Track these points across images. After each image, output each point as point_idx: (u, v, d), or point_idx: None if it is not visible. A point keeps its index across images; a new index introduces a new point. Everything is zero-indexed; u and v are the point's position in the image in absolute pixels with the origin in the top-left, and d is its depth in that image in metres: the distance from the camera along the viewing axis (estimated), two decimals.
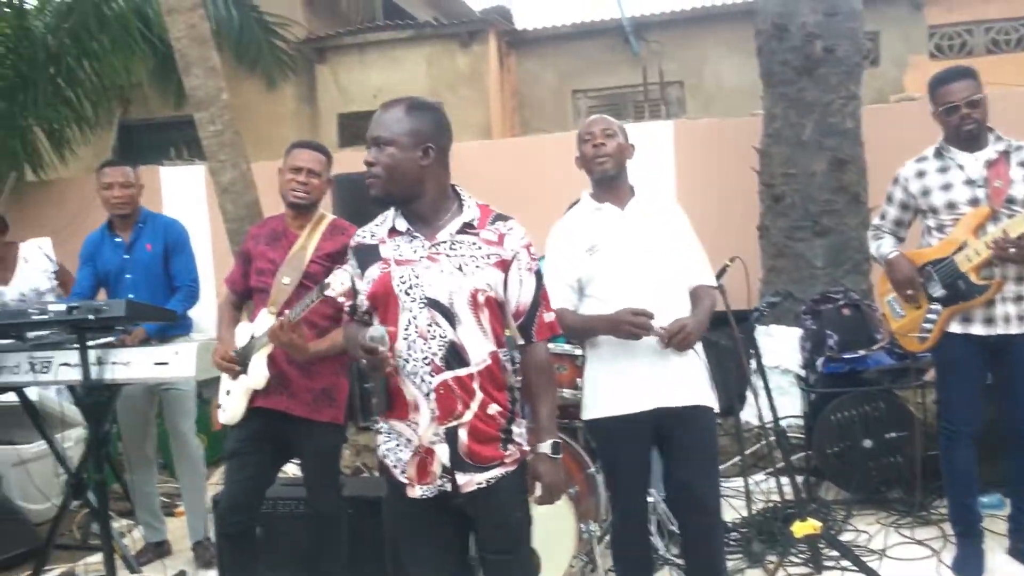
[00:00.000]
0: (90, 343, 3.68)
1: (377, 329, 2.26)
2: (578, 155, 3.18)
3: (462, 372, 2.32)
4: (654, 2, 13.76)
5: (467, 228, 2.38)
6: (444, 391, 2.32)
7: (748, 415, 5.31)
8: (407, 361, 2.33)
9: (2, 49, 7.57)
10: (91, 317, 3.51)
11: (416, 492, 2.38)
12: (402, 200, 2.38)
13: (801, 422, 5.19)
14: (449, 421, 2.33)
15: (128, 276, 4.36)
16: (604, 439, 3.20)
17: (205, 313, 4.91)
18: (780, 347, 5.62)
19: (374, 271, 2.38)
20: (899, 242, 3.93)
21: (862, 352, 4.87)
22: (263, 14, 9.83)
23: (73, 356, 3.69)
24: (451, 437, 2.33)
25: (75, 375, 3.71)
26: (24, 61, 7.57)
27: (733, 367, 4.44)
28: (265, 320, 3.30)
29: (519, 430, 2.44)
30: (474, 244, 2.37)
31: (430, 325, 2.31)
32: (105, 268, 4.40)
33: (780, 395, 5.07)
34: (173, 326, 4.19)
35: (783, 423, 4.23)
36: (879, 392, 4.70)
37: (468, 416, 2.33)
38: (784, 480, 4.21)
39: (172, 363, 3.70)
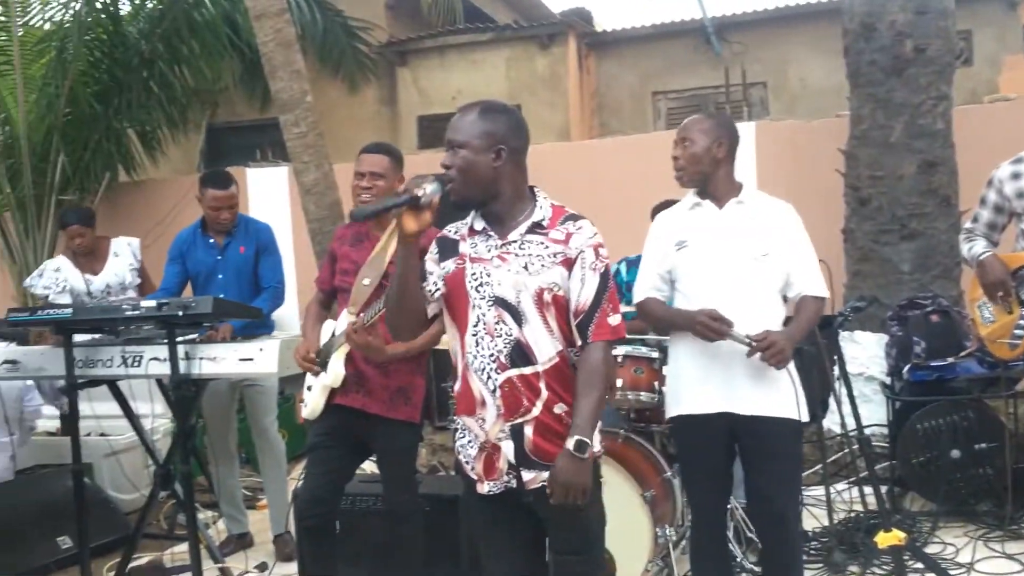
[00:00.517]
0: (178, 339, 3.80)
1: (435, 186, 2.28)
2: None
3: (527, 370, 2.34)
4: (737, 2, 13.55)
5: (536, 228, 2.40)
6: (509, 388, 2.34)
7: (830, 422, 5.20)
8: (475, 357, 2.37)
9: (98, 54, 7.82)
10: (180, 313, 3.61)
11: (484, 488, 2.42)
12: (478, 201, 2.41)
13: (885, 431, 5.06)
14: (514, 418, 2.35)
15: (220, 276, 4.50)
16: (681, 438, 3.19)
17: (287, 312, 5.02)
18: (865, 354, 5.49)
19: (450, 264, 2.43)
20: (992, 246, 3.81)
21: (951, 359, 4.72)
22: (347, 18, 9.98)
23: (163, 351, 3.81)
24: (516, 434, 2.36)
25: (164, 369, 3.83)
26: (119, 66, 7.82)
27: (816, 373, 4.35)
28: (345, 320, 3.35)
29: None
30: (541, 243, 2.38)
31: (497, 323, 2.35)
32: (197, 268, 4.54)
33: (864, 403, 4.94)
34: (256, 325, 4.30)
35: (867, 432, 4.13)
36: (968, 401, 4.56)
37: (533, 413, 2.34)
38: (867, 490, 4.12)
39: (256, 359, 3.80)
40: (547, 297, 2.35)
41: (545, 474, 2.35)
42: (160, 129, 8.49)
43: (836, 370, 4.36)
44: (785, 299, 3.09)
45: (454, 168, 2.35)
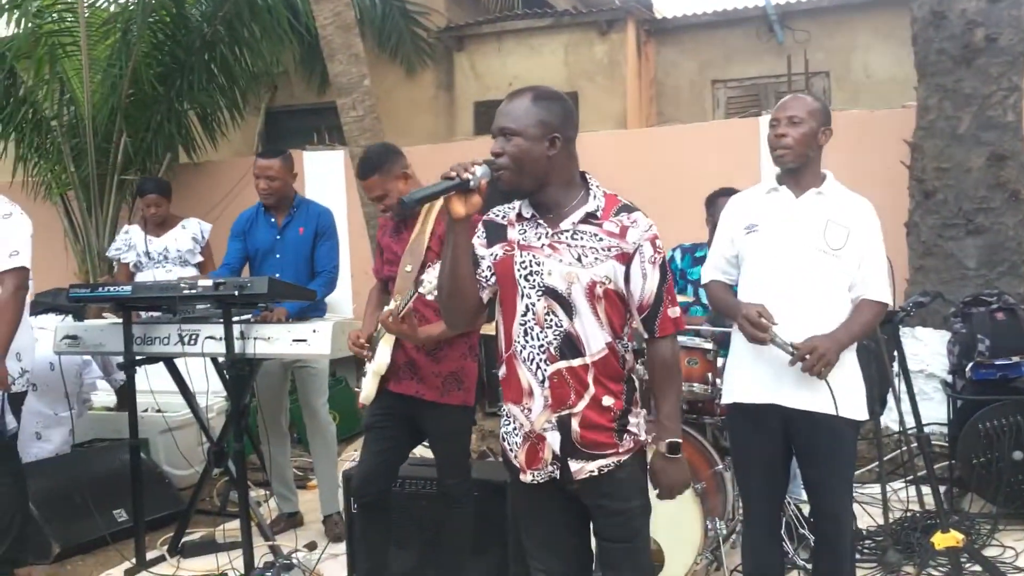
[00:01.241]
0: (234, 318, 3.84)
1: (484, 169, 2.24)
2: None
3: (576, 363, 2.32)
4: None
5: (590, 218, 2.35)
6: (558, 380, 2.32)
7: (888, 420, 5.10)
8: (523, 347, 2.34)
9: (161, 36, 7.93)
10: (236, 293, 3.65)
11: (527, 478, 2.41)
12: (529, 190, 2.36)
13: (945, 430, 4.94)
14: (562, 410, 2.33)
15: (277, 256, 4.54)
16: (734, 427, 3.15)
17: (339, 296, 5.05)
18: (926, 350, 5.37)
19: (498, 250, 2.39)
20: None
21: (1015, 359, 4.59)
22: (405, 3, 10.00)
23: (218, 330, 3.86)
24: (563, 425, 2.33)
25: (219, 348, 3.88)
26: (181, 48, 7.93)
27: (875, 369, 4.26)
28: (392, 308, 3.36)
29: (635, 420, 2.41)
30: (595, 235, 2.34)
31: (547, 314, 2.32)
32: (256, 245, 4.60)
33: (923, 400, 4.85)
34: (309, 307, 4.33)
35: (926, 430, 4.04)
36: None
37: (581, 406, 2.32)
38: (925, 489, 4.03)
39: (310, 341, 3.84)
40: (599, 291, 2.31)
41: (592, 464, 2.33)
42: (220, 111, 8.59)
43: (896, 366, 4.27)
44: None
45: (506, 156, 2.29)
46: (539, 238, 2.35)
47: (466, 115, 10.15)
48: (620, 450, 2.36)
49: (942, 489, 4.20)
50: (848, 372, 2.92)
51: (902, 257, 5.63)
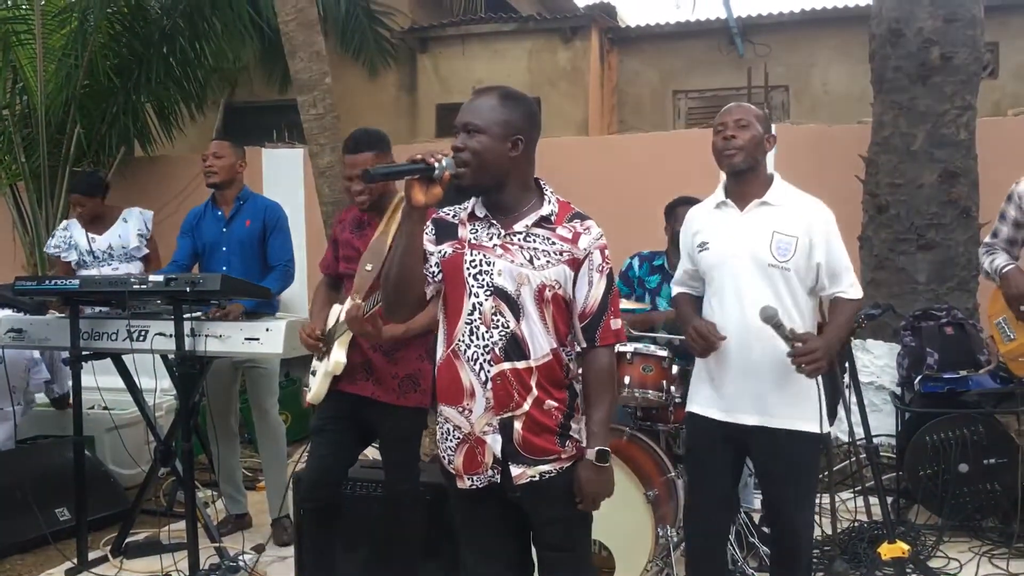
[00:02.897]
0: (185, 315, 3.78)
1: (449, 161, 2.24)
2: (712, 145, 3.04)
3: (520, 365, 2.29)
4: (762, 4, 13.48)
5: (543, 222, 2.34)
6: (501, 381, 2.29)
7: (838, 430, 5.15)
8: (467, 347, 2.31)
9: (119, 27, 7.81)
10: (187, 289, 3.59)
11: (464, 484, 2.36)
12: (486, 189, 2.34)
13: (893, 441, 5.00)
14: (504, 412, 2.30)
15: (224, 249, 4.48)
16: (692, 436, 3.16)
17: (296, 294, 4.99)
18: (876, 363, 5.44)
19: (447, 248, 2.36)
20: (1014, 260, 3.76)
21: (963, 373, 4.66)
22: (369, 2, 9.96)
23: (169, 326, 3.79)
24: (505, 428, 2.31)
25: (169, 345, 3.81)
26: (139, 40, 7.81)
27: (826, 380, 4.30)
28: (348, 306, 3.32)
29: (577, 426, 2.38)
30: (548, 239, 2.33)
31: (495, 314, 2.29)
32: (203, 239, 4.54)
33: (873, 412, 4.90)
34: (261, 304, 4.27)
35: (874, 442, 4.08)
36: (979, 415, 4.50)
37: (524, 408, 2.30)
38: (873, 500, 4.07)
39: (263, 340, 3.79)
40: (548, 294, 2.30)
41: (532, 469, 2.31)
42: (178, 106, 8.48)
43: (847, 377, 4.31)
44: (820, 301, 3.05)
45: (468, 151, 2.27)
46: (491, 238, 2.34)
47: (428, 117, 10.13)
48: (563, 455, 2.34)
49: (889, 500, 4.24)
50: (806, 385, 2.91)
51: (855, 270, 5.69)
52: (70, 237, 5.37)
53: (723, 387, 2.94)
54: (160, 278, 3.71)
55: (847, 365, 4.22)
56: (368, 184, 2.27)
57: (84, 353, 4.10)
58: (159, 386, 4.51)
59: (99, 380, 4.22)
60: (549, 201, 2.38)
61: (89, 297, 4.05)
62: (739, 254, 2.92)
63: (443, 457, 2.41)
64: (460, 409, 2.34)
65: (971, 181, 5.69)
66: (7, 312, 4.52)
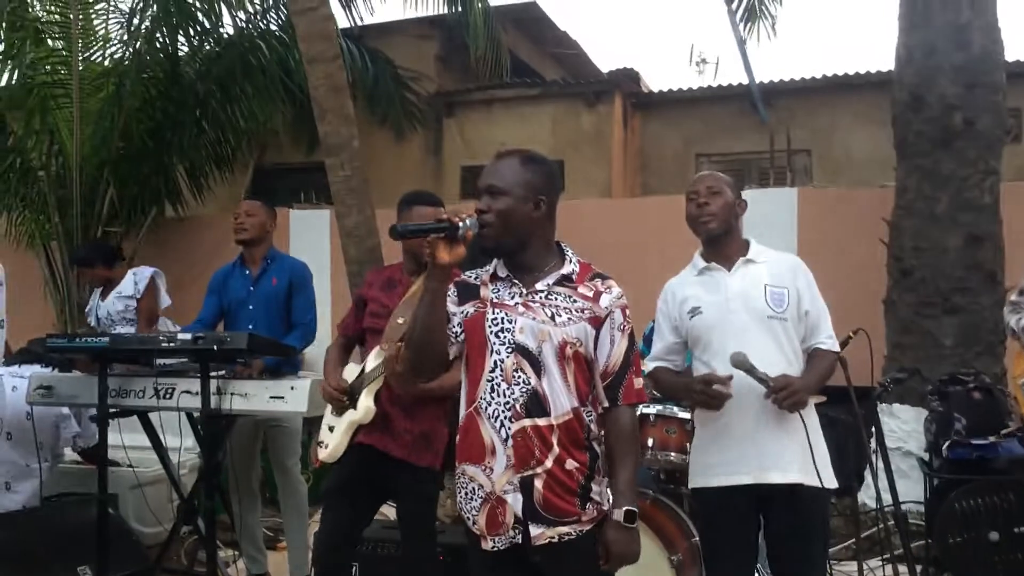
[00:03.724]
0: (211, 373, 3.81)
1: (472, 221, 2.29)
2: (686, 214, 3.09)
3: (541, 422, 2.29)
4: (784, 70, 13.62)
5: (565, 281, 2.38)
6: (522, 438, 2.29)
7: (865, 496, 5.09)
8: (488, 404, 2.32)
9: (154, 92, 8.02)
10: (215, 348, 3.63)
11: (488, 544, 2.34)
12: (510, 250, 2.38)
13: (922, 508, 4.92)
14: (524, 470, 2.29)
15: (250, 307, 4.53)
16: (706, 510, 3.10)
17: (318, 353, 5.02)
18: (903, 428, 5.39)
19: (469, 308, 2.39)
20: None
21: (992, 439, 4.60)
22: (397, 68, 10.16)
23: (195, 384, 3.82)
24: (526, 487, 2.29)
25: (195, 403, 3.84)
26: (172, 104, 8.01)
27: (852, 445, 4.26)
28: (376, 357, 3.35)
29: (598, 488, 2.37)
30: (569, 297, 2.36)
31: (516, 371, 2.31)
32: (230, 297, 4.60)
33: (900, 478, 4.83)
34: (284, 362, 4.30)
35: (903, 508, 4.02)
36: (1009, 482, 4.43)
37: (545, 466, 2.29)
38: (902, 568, 3.99)
39: (287, 398, 3.80)
40: (569, 352, 2.32)
41: (552, 530, 2.29)
42: (208, 167, 8.64)
43: (873, 442, 4.27)
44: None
45: (492, 213, 2.32)
46: (512, 297, 2.37)
47: (453, 179, 10.25)
48: (583, 518, 2.32)
49: (918, 568, 4.16)
50: (816, 442, 2.90)
51: (880, 333, 5.67)
52: (95, 299, 5.66)
53: (734, 449, 2.90)
54: (188, 336, 3.75)
55: (873, 429, 4.19)
56: (395, 239, 2.34)
57: (112, 410, 4.14)
58: (183, 444, 4.52)
59: (123, 438, 4.25)
60: (570, 261, 2.42)
61: (118, 355, 4.10)
62: (737, 310, 2.93)
63: (467, 518, 2.39)
64: (482, 468, 2.34)
65: (996, 245, 5.67)
66: (36, 368, 4.58)
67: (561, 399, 2.31)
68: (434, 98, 10.41)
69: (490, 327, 2.35)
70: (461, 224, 2.25)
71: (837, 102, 9.90)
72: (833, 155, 9.97)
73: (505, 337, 2.33)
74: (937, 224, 5.69)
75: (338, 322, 3.82)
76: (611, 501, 2.36)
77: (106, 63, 8.08)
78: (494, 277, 2.42)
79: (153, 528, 5.13)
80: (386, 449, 3.32)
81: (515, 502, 2.30)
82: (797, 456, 2.85)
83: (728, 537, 2.97)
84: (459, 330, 2.40)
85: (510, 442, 2.29)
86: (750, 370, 2.80)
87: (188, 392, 3.89)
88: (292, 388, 3.82)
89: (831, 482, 2.91)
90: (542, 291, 2.36)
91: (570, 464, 2.31)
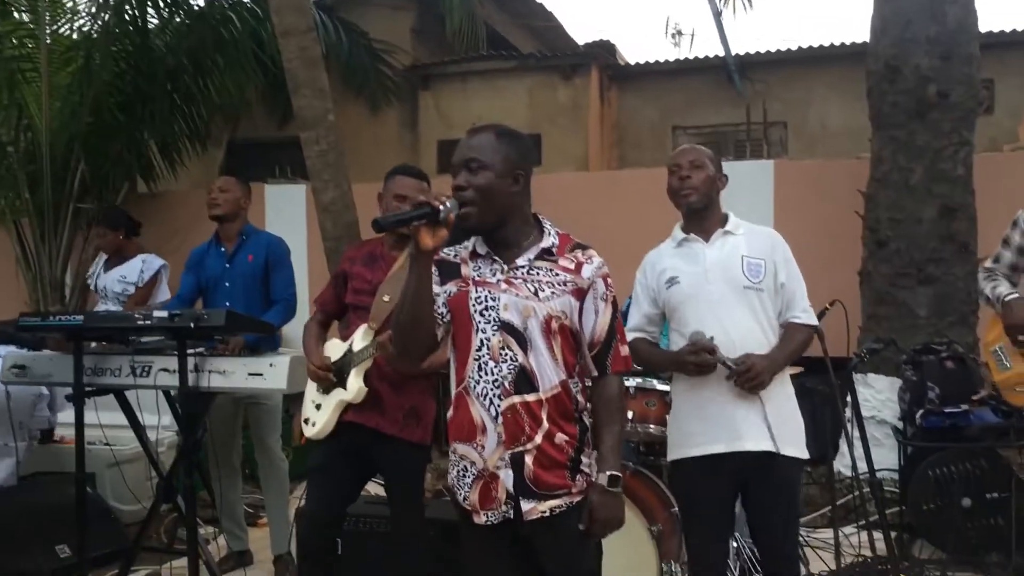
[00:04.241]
0: (188, 351, 3.79)
1: (453, 202, 2.25)
2: (667, 186, 3.11)
3: (530, 398, 2.30)
4: (760, 42, 13.61)
5: (545, 254, 2.37)
6: (512, 415, 2.30)
7: (840, 465, 5.15)
8: (477, 382, 2.33)
9: (124, 65, 7.86)
10: (192, 325, 3.60)
11: (480, 519, 2.35)
12: (491, 226, 2.36)
13: (895, 476, 4.99)
14: (515, 446, 2.30)
15: (227, 284, 4.50)
16: (681, 480, 3.12)
17: (296, 329, 4.99)
18: (877, 397, 5.45)
19: (451, 287, 2.38)
20: (1015, 288, 3.79)
21: (964, 407, 4.67)
22: (371, 41, 10.06)
23: (172, 362, 3.79)
24: (516, 463, 2.31)
25: (173, 381, 3.81)
26: (143, 77, 7.87)
27: (828, 414, 4.31)
28: (363, 336, 3.34)
29: (588, 460, 2.38)
30: (551, 271, 2.35)
31: (502, 348, 2.31)
32: (207, 275, 4.56)
33: (875, 447, 4.89)
34: (263, 339, 4.28)
35: (877, 476, 4.08)
36: (981, 449, 4.50)
37: (535, 442, 2.30)
38: (877, 534, 4.06)
39: (266, 375, 3.78)
40: (555, 325, 2.32)
41: (544, 504, 2.30)
42: (181, 142, 8.53)
43: (848, 412, 4.31)
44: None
45: (472, 189, 2.29)
46: (494, 274, 2.36)
47: (429, 153, 10.20)
48: (573, 490, 2.34)
49: (892, 535, 4.23)
50: (791, 413, 2.96)
51: (855, 304, 5.72)
52: (97, 266, 5.69)
53: (712, 419, 2.92)
54: (164, 314, 3.72)
55: (849, 399, 4.23)
56: (379, 232, 2.29)
57: (88, 389, 4.10)
58: (161, 422, 4.49)
59: (99, 416, 4.22)
60: (549, 234, 2.40)
61: (93, 334, 4.06)
62: (714, 280, 2.95)
63: (458, 493, 2.40)
64: (473, 446, 2.34)
65: (969, 216, 5.73)
66: (10, 349, 4.53)
67: (549, 373, 2.32)
68: (409, 71, 10.33)
69: (474, 306, 2.34)
70: (442, 207, 2.20)
71: (813, 74, 9.93)
72: (809, 127, 10.01)
73: (489, 315, 2.32)
74: (912, 195, 5.73)
75: (312, 297, 3.80)
76: (597, 467, 2.37)
77: (74, 36, 7.93)
78: (474, 255, 2.40)
79: (131, 506, 5.12)
80: (377, 427, 3.32)
81: (507, 478, 2.31)
82: (767, 425, 2.88)
83: (705, 507, 3.00)
84: (445, 310, 2.38)
85: (500, 419, 2.30)
86: (710, 351, 2.84)
87: (165, 370, 3.85)
88: (271, 365, 3.80)
89: (803, 452, 2.95)
90: (523, 266, 2.35)
91: (560, 438, 2.32)
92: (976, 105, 5.88)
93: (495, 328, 2.32)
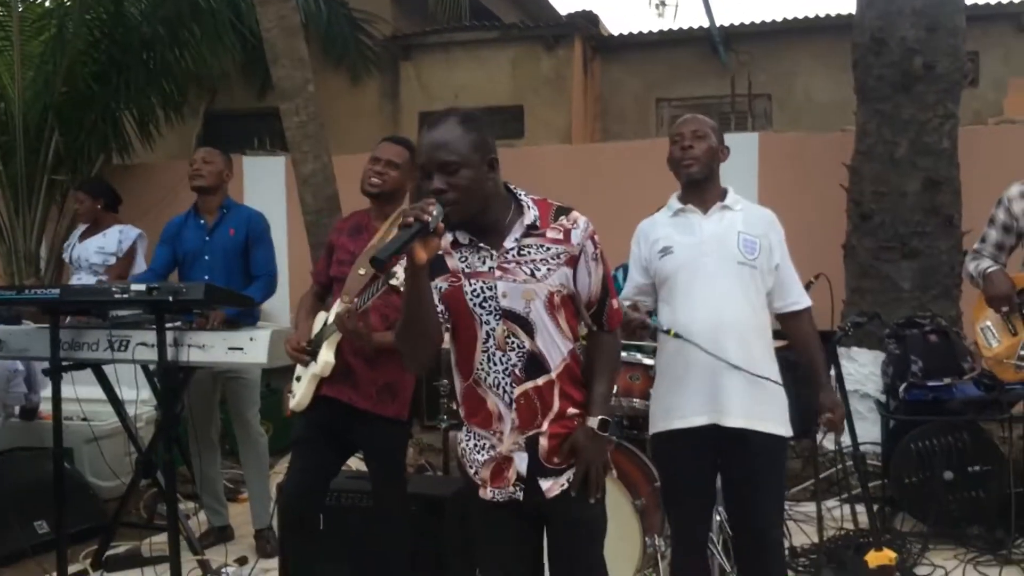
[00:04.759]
0: (167, 324, 3.73)
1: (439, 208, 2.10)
2: (668, 156, 3.06)
3: (542, 380, 2.28)
4: (745, 13, 13.55)
5: (531, 230, 2.28)
6: (525, 401, 2.28)
7: (824, 438, 5.15)
8: (488, 374, 2.29)
9: (98, 34, 7.73)
10: (170, 299, 3.54)
11: (487, 494, 2.34)
12: (472, 217, 2.25)
13: (878, 449, 5.01)
14: (530, 430, 2.29)
15: (206, 258, 4.43)
16: (662, 454, 3.10)
17: (277, 304, 4.95)
18: (861, 371, 5.45)
19: (441, 283, 2.28)
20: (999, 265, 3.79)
21: (947, 380, 4.68)
22: (352, 10, 9.93)
23: (151, 336, 3.74)
24: (531, 445, 2.30)
25: (151, 355, 3.76)
26: (118, 47, 7.73)
27: (812, 388, 4.29)
28: (338, 309, 3.29)
29: None
30: (541, 246, 2.28)
31: (508, 337, 2.26)
32: (185, 248, 4.49)
33: (857, 420, 4.90)
34: (243, 313, 4.23)
35: (860, 449, 4.08)
36: (963, 423, 4.51)
37: (547, 424, 2.29)
38: (859, 507, 4.07)
39: (246, 349, 3.74)
40: (557, 299, 2.28)
41: (563, 478, 2.30)
42: (157, 113, 8.41)
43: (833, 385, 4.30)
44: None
45: (453, 191, 2.15)
46: (484, 262, 2.27)
47: (411, 124, 10.09)
48: None
49: (875, 508, 4.25)
50: (774, 390, 2.92)
51: (839, 277, 5.72)
52: (73, 237, 5.63)
53: (693, 392, 2.88)
54: (142, 287, 3.64)
55: (833, 373, 4.22)
56: (382, 271, 2.15)
57: (64, 364, 4.03)
58: (139, 397, 4.43)
59: (77, 391, 4.16)
60: (528, 207, 2.31)
61: (69, 307, 3.99)
62: (708, 252, 2.92)
63: (469, 466, 2.38)
64: (491, 432, 2.33)
65: (954, 189, 5.72)
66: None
67: (556, 350, 2.30)
68: (390, 41, 10.21)
69: (471, 299, 2.27)
70: (431, 219, 2.06)
71: (798, 46, 9.88)
72: (794, 99, 9.98)
73: (489, 305, 2.26)
74: (896, 168, 5.71)
75: (296, 271, 3.75)
76: (586, 411, 2.35)
77: (47, 4, 7.80)
78: (455, 244, 2.30)
79: (110, 482, 5.08)
80: (350, 401, 3.28)
81: (520, 461, 2.30)
82: (749, 401, 2.86)
83: (686, 480, 2.98)
84: (443, 307, 2.29)
85: (514, 406, 2.28)
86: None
87: (144, 344, 3.79)
88: (251, 339, 3.75)
89: (785, 429, 2.92)
90: (512, 248, 2.27)
91: (571, 411, 2.32)
92: (961, 77, 5.85)
93: (498, 318, 2.26)
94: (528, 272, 2.26)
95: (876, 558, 3.63)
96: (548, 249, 2.29)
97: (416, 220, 2.03)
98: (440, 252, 2.27)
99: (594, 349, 2.43)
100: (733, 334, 2.84)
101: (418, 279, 2.13)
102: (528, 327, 2.26)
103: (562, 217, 2.32)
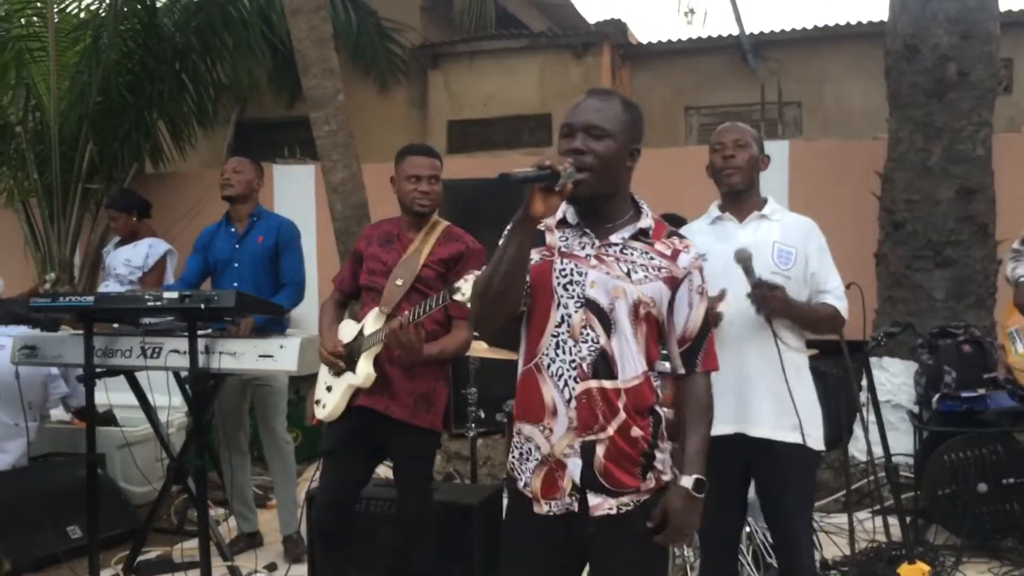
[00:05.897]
0: (199, 332, 3.76)
1: (572, 170, 2.05)
2: (708, 164, 3.05)
3: (608, 384, 2.12)
4: (775, 20, 13.47)
5: (641, 235, 2.20)
6: (586, 400, 2.12)
7: (855, 449, 5.11)
8: (552, 361, 2.15)
9: (132, 44, 7.81)
10: (202, 306, 3.57)
11: (542, 508, 2.17)
12: (601, 199, 2.18)
13: (911, 461, 4.95)
14: (587, 434, 2.12)
15: (236, 265, 4.49)
16: None
17: (306, 311, 4.97)
18: (893, 381, 5.39)
19: (534, 255, 2.17)
20: None
21: (981, 391, 4.62)
22: (381, 19, 9.98)
23: (182, 343, 3.77)
24: (587, 452, 2.13)
25: (183, 362, 3.79)
26: (152, 57, 7.82)
27: (843, 398, 4.26)
28: (375, 319, 3.30)
29: (662, 456, 2.20)
30: (646, 253, 2.19)
31: (584, 328, 2.13)
32: (215, 256, 4.55)
33: (890, 431, 4.84)
34: (271, 321, 4.26)
35: (892, 461, 4.04)
36: (998, 434, 4.46)
37: (608, 432, 2.12)
38: (892, 520, 4.02)
39: (276, 357, 3.76)
40: (642, 312, 2.15)
41: (612, 500, 2.13)
42: (190, 122, 8.49)
43: (864, 396, 4.27)
44: None
45: (592, 155, 2.09)
46: (583, 247, 2.18)
47: (439, 133, 10.12)
48: (642, 488, 2.16)
49: (907, 520, 4.20)
50: (809, 402, 2.91)
51: (871, 287, 5.66)
52: (110, 243, 5.82)
53: (728, 401, 2.83)
54: (175, 295, 3.69)
55: (866, 383, 4.19)
56: (503, 185, 2.11)
57: (98, 370, 4.08)
58: (171, 403, 4.48)
59: (110, 397, 4.21)
60: (647, 215, 2.24)
61: (103, 315, 4.04)
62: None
63: (518, 479, 2.22)
64: (541, 428, 2.16)
65: (988, 198, 5.64)
66: (22, 329, 4.52)
67: (631, 361, 2.14)
68: (419, 50, 10.24)
69: (557, 279, 2.15)
70: (564, 172, 2.00)
71: (828, 53, 9.79)
72: (824, 107, 9.89)
73: (573, 290, 2.14)
74: (929, 176, 5.65)
75: (325, 279, 3.76)
76: (675, 470, 2.22)
77: (82, 15, 7.88)
78: (562, 223, 2.22)
79: (142, 487, 5.13)
80: (387, 411, 3.29)
81: (574, 468, 2.13)
82: (777, 411, 2.84)
83: (714, 488, 2.96)
84: (528, 280, 2.18)
85: (573, 403, 2.12)
86: (748, 269, 2.80)
87: (176, 351, 3.84)
88: (281, 347, 3.78)
89: (815, 442, 2.89)
90: (617, 244, 2.18)
91: (635, 432, 2.14)
92: (996, 84, 5.78)
93: (578, 305, 2.13)
94: (624, 271, 2.16)
95: (909, 571, 3.60)
96: (652, 259, 2.19)
97: (550, 166, 1.99)
98: (543, 227, 2.20)
99: (686, 396, 2.25)
100: (765, 342, 2.84)
101: (525, 231, 2.05)
102: (607, 323, 2.13)
103: (675, 237, 2.25)
